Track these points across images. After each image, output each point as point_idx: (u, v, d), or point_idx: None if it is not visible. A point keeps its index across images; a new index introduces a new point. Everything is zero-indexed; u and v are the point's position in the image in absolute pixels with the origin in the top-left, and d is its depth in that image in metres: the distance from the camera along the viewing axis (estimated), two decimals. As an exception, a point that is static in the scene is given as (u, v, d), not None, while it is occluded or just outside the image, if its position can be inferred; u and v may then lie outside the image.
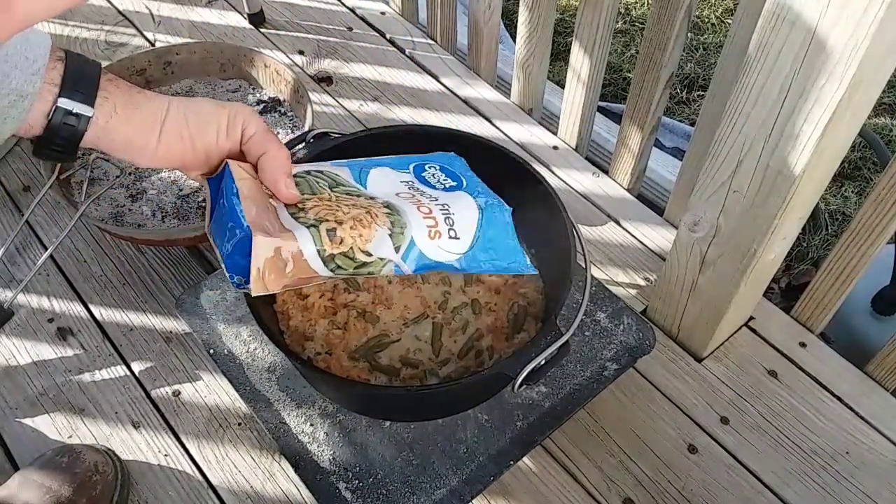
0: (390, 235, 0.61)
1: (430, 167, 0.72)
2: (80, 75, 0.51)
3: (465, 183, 0.71)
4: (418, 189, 0.67)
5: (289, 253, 0.56)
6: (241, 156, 0.60)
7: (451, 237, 0.64)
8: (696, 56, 2.00)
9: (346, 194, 0.63)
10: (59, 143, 0.52)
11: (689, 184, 1.11)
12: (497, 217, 0.68)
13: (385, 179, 0.68)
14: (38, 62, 0.49)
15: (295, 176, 0.62)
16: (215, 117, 0.58)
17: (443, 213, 0.65)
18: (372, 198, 0.63)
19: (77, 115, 0.51)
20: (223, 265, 0.57)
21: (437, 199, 0.66)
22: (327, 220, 0.58)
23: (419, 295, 0.89)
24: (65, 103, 0.50)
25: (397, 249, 0.61)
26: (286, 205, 0.60)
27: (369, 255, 0.59)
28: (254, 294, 0.54)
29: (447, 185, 0.70)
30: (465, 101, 1.39)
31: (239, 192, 0.56)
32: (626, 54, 2.01)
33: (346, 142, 0.90)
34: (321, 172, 0.64)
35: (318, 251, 0.57)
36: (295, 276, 0.56)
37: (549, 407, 0.89)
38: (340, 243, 0.58)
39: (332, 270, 0.58)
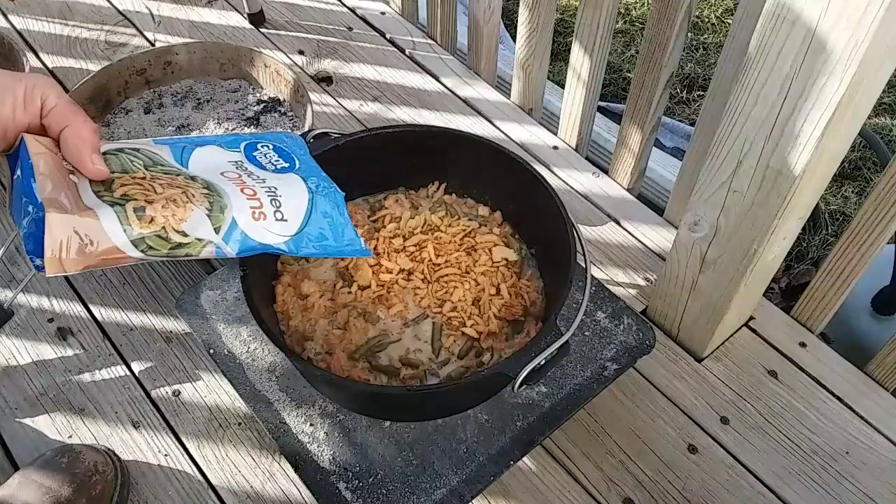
0: (209, 216, 0.59)
1: (262, 146, 0.69)
2: None
3: (297, 164, 0.69)
4: (246, 169, 0.65)
5: (89, 231, 0.52)
6: (41, 130, 0.56)
7: (277, 219, 0.63)
8: (696, 56, 2.00)
9: (164, 174, 0.60)
10: None
11: (689, 184, 1.11)
12: (328, 200, 0.67)
13: (210, 159, 0.65)
14: None
15: (106, 153, 0.59)
16: (11, 89, 0.53)
17: (269, 195, 0.63)
18: (192, 178, 0.61)
19: None
20: (25, 249, 0.53)
21: (264, 181, 0.64)
22: (136, 199, 0.55)
23: (418, 294, 0.89)
24: None
25: (217, 230, 0.59)
26: (92, 183, 0.56)
27: (185, 235, 0.57)
28: (48, 275, 0.51)
29: (278, 167, 0.68)
30: (465, 101, 1.39)
31: (34, 168, 0.52)
32: (626, 54, 2.01)
33: (347, 142, 0.90)
34: (137, 150, 0.61)
35: (125, 230, 0.54)
36: (98, 257, 0.53)
37: (549, 407, 0.89)
38: (150, 222, 0.55)
39: (142, 251, 0.55)
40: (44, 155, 0.54)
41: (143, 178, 0.58)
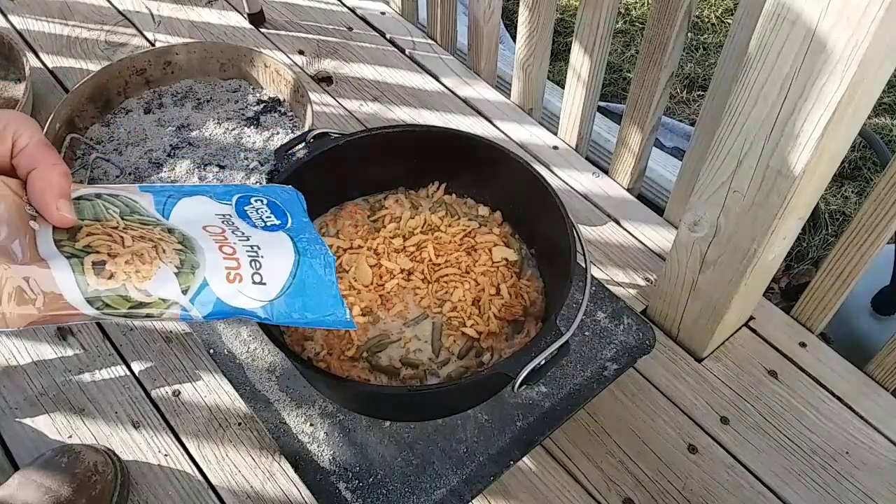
0: (177, 274, 0.54)
1: (256, 200, 0.65)
2: None
3: (290, 222, 0.65)
4: (232, 224, 0.61)
5: (39, 284, 0.48)
6: (10, 170, 0.52)
7: (255, 282, 0.58)
8: (696, 56, 2.00)
9: (140, 223, 0.55)
10: None
11: (689, 184, 1.11)
12: (316, 263, 0.63)
13: (196, 211, 0.61)
14: None
15: (81, 198, 0.54)
16: None
17: (249, 256, 0.58)
18: (170, 230, 0.56)
19: None
20: None
21: (248, 239, 0.60)
22: (98, 252, 0.51)
23: (418, 294, 0.89)
24: None
25: (185, 291, 0.54)
26: (55, 230, 0.51)
27: (148, 294, 0.53)
28: None
29: (268, 224, 0.63)
30: (465, 101, 1.39)
31: None
32: (626, 54, 2.01)
33: (347, 142, 0.90)
34: (115, 197, 0.57)
35: (79, 285, 0.50)
36: (47, 313, 0.49)
37: (549, 407, 0.89)
38: (110, 278, 0.51)
39: (97, 309, 0.51)
40: (5, 197, 0.50)
41: (115, 228, 0.54)
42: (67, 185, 0.52)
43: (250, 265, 0.58)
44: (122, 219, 0.55)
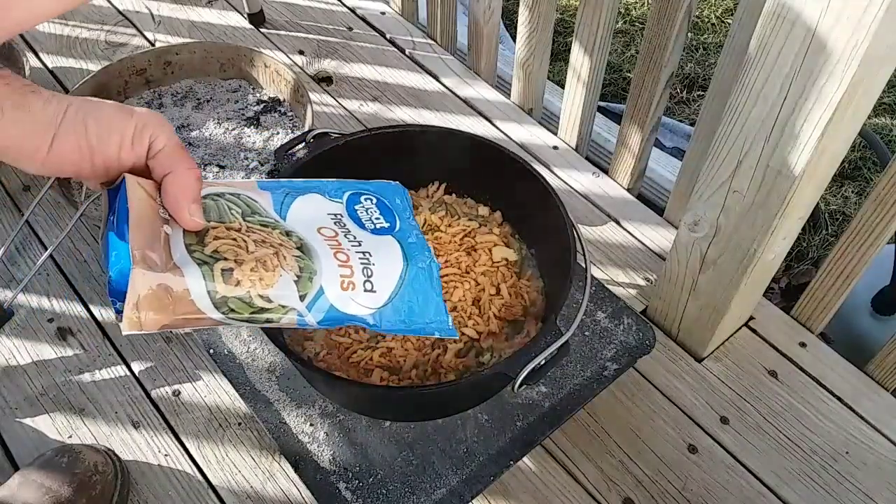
0: (296, 282, 0.56)
1: (365, 199, 0.67)
2: None
3: (398, 226, 0.66)
4: (344, 227, 0.62)
5: (173, 291, 0.50)
6: (145, 171, 0.53)
7: (366, 290, 0.59)
8: (696, 56, 2.00)
9: (261, 225, 0.57)
10: None
11: (689, 184, 1.11)
12: (423, 271, 0.64)
13: (310, 210, 0.62)
14: None
15: (206, 197, 0.56)
16: (119, 126, 0.51)
17: (362, 263, 0.60)
18: (288, 233, 0.58)
19: None
20: (107, 289, 0.51)
21: (360, 244, 0.61)
22: (226, 259, 0.53)
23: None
24: None
25: (303, 298, 0.56)
26: (185, 233, 0.54)
27: (269, 301, 0.54)
28: (124, 332, 0.49)
29: (377, 227, 0.65)
30: (465, 101, 1.39)
31: (129, 214, 0.50)
32: (626, 54, 2.01)
33: (347, 142, 0.90)
34: (237, 196, 0.59)
35: (209, 292, 0.52)
36: (178, 317, 0.51)
37: (549, 407, 0.89)
38: (237, 285, 0.53)
39: (223, 314, 0.53)
40: (143, 201, 0.52)
41: (238, 230, 0.56)
42: (199, 189, 0.54)
43: (362, 272, 0.59)
44: (244, 220, 0.57)
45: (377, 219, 0.65)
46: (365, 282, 0.59)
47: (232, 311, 0.53)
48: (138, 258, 0.49)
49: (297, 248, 0.57)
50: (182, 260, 0.52)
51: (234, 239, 0.55)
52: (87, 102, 0.51)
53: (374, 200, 0.67)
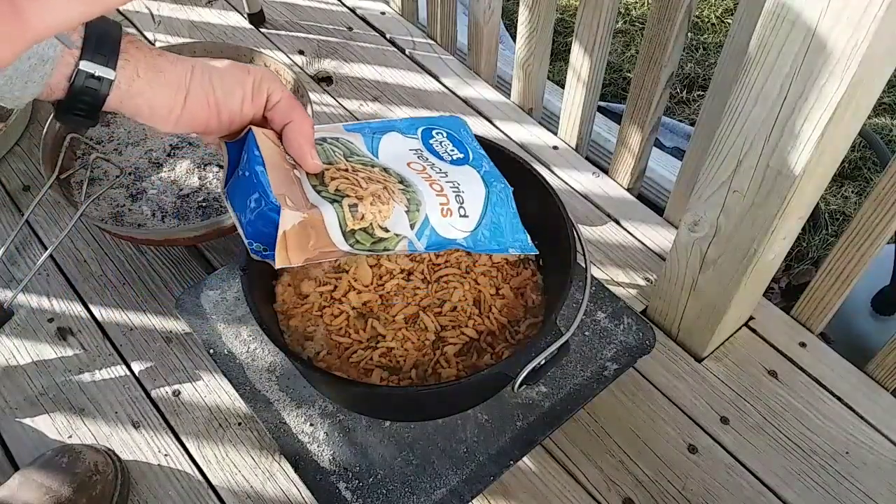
0: (407, 212, 0.61)
1: (437, 133, 0.72)
2: (101, 38, 0.50)
3: (471, 156, 0.71)
4: (427, 160, 0.68)
5: (313, 227, 0.56)
6: (263, 122, 0.59)
7: (461, 215, 0.65)
8: (696, 56, 2.00)
9: (361, 164, 0.63)
10: (81, 107, 0.51)
11: (689, 184, 1.11)
12: (501, 196, 0.69)
13: (395, 147, 0.68)
14: None
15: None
16: (240, 82, 0.56)
17: (453, 191, 0.65)
18: (385, 169, 0.63)
19: (99, 79, 0.50)
20: (242, 231, 0.57)
21: (446, 175, 0.66)
22: (349, 196, 0.58)
23: (418, 294, 0.89)
24: (87, 66, 0.49)
25: (412, 226, 0.61)
26: (308, 176, 0.59)
27: (386, 231, 0.60)
28: (277, 266, 0.55)
29: (454, 157, 0.70)
30: (465, 101, 1.39)
31: (265, 163, 0.55)
32: (626, 54, 2.01)
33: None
34: (336, 140, 0.64)
35: (341, 226, 0.57)
36: (317, 250, 0.56)
37: (549, 407, 0.89)
38: (362, 219, 0.58)
39: (351, 245, 0.58)
40: (271, 149, 0.57)
41: (347, 171, 0.61)
42: (313, 135, 0.60)
43: (455, 200, 0.65)
44: (347, 160, 0.62)
45: (451, 150, 0.71)
46: (459, 208, 0.65)
47: (358, 242, 0.58)
48: (282, 200, 0.54)
49: (400, 182, 0.63)
50: (315, 199, 0.57)
51: (348, 178, 0.60)
52: (208, 62, 0.56)
53: (445, 134, 0.72)
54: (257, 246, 0.56)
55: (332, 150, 0.63)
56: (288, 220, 0.54)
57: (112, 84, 0.50)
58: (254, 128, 0.57)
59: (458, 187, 0.66)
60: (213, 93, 0.55)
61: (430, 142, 0.70)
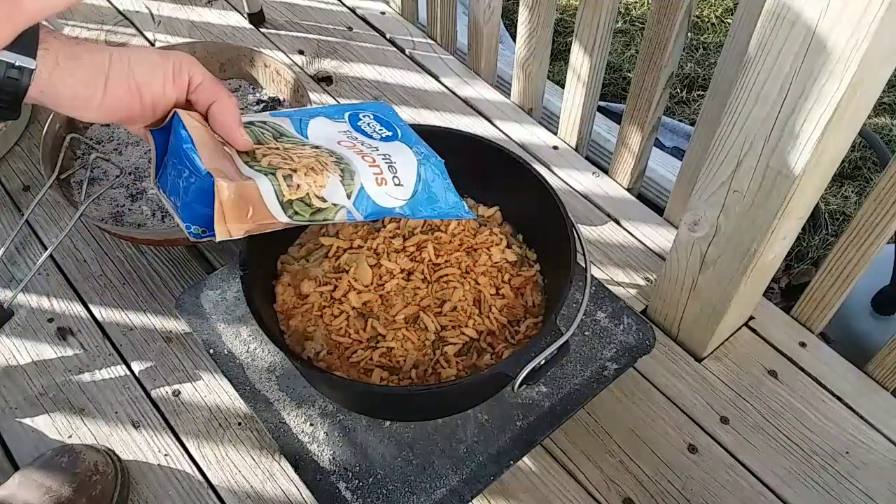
0: (342, 182, 0.62)
1: (364, 116, 0.73)
2: None
3: (399, 133, 0.73)
4: (357, 139, 0.69)
5: (250, 198, 0.56)
6: (188, 105, 0.59)
7: (395, 184, 0.66)
8: (696, 56, 2.00)
9: (291, 144, 0.64)
10: (4, 98, 0.50)
11: (689, 184, 1.11)
12: (434, 167, 0.71)
13: (324, 129, 0.69)
14: None
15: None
16: (161, 64, 0.56)
17: (385, 163, 0.67)
18: (316, 147, 0.65)
19: (20, 69, 0.49)
20: (178, 218, 0.57)
21: (377, 150, 0.68)
22: (282, 168, 0.59)
23: (418, 294, 0.89)
24: (7, 56, 0.49)
25: (349, 196, 0.62)
26: (239, 153, 0.60)
27: (324, 201, 0.61)
28: (217, 239, 0.55)
29: (384, 136, 0.71)
30: (465, 101, 1.39)
31: (194, 140, 0.56)
32: (626, 54, 2.01)
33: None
34: (264, 123, 0.65)
35: (277, 197, 0.58)
36: (256, 222, 0.57)
37: (549, 407, 0.89)
38: (298, 189, 0.59)
39: (290, 217, 0.59)
40: (198, 128, 0.57)
41: (278, 149, 0.62)
42: (239, 115, 0.60)
43: (389, 170, 0.67)
44: (276, 140, 0.63)
45: (380, 129, 0.72)
46: (393, 178, 0.67)
47: (297, 213, 0.59)
48: (216, 173, 0.55)
49: (331, 156, 0.64)
50: (249, 174, 0.58)
51: (279, 154, 0.61)
52: (125, 49, 0.56)
53: (372, 116, 0.73)
54: (196, 229, 0.56)
55: (261, 132, 0.63)
56: (223, 191, 0.54)
57: (33, 74, 0.50)
58: (178, 110, 0.57)
59: (389, 158, 0.67)
60: (134, 76, 0.55)
61: (358, 123, 0.72)
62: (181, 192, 0.56)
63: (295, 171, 0.59)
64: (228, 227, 0.55)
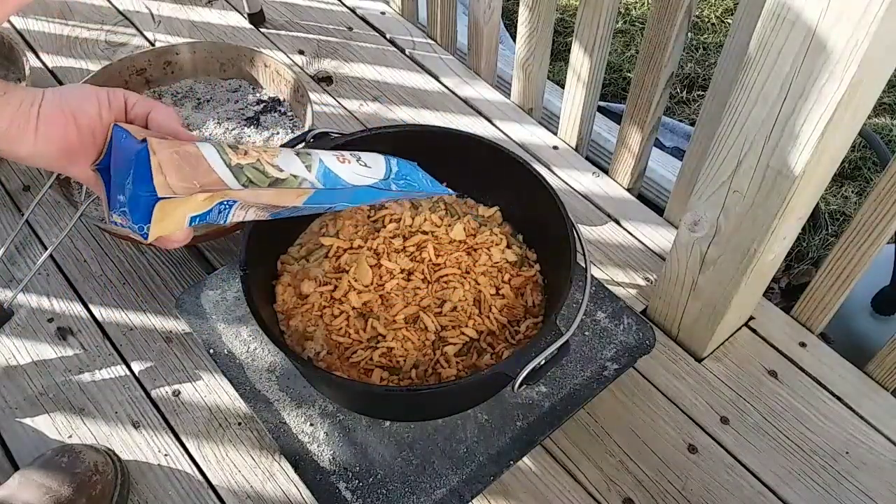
0: (297, 155, 0.62)
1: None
2: None
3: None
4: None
5: (189, 158, 0.54)
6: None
7: (361, 164, 0.68)
8: (696, 56, 2.00)
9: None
10: None
11: (689, 184, 1.11)
12: (404, 163, 0.73)
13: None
14: None
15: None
16: (94, 92, 0.56)
17: (349, 152, 0.69)
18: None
19: None
20: (131, 222, 0.53)
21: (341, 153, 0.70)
22: (228, 144, 0.59)
23: (418, 294, 0.89)
24: None
25: (309, 168, 0.62)
26: None
27: (280, 170, 0.60)
28: (159, 195, 0.52)
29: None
30: (465, 101, 1.39)
31: (127, 130, 0.54)
32: (626, 54, 2.01)
33: (347, 142, 0.90)
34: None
35: (223, 159, 0.56)
36: (202, 181, 0.54)
37: (549, 407, 0.89)
38: (245, 154, 0.58)
39: (244, 185, 0.57)
40: (132, 127, 0.56)
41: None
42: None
43: (351, 155, 0.68)
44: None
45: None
46: (358, 160, 0.68)
47: (251, 181, 0.58)
48: (150, 136, 0.53)
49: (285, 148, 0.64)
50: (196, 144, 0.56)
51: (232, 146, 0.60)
52: (57, 88, 0.55)
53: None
54: (147, 227, 0.53)
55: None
56: (158, 147, 0.52)
57: None
58: (117, 122, 0.56)
59: (354, 152, 0.69)
60: (68, 104, 0.54)
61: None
62: (127, 188, 0.53)
63: (245, 152, 0.59)
64: (169, 181, 0.52)
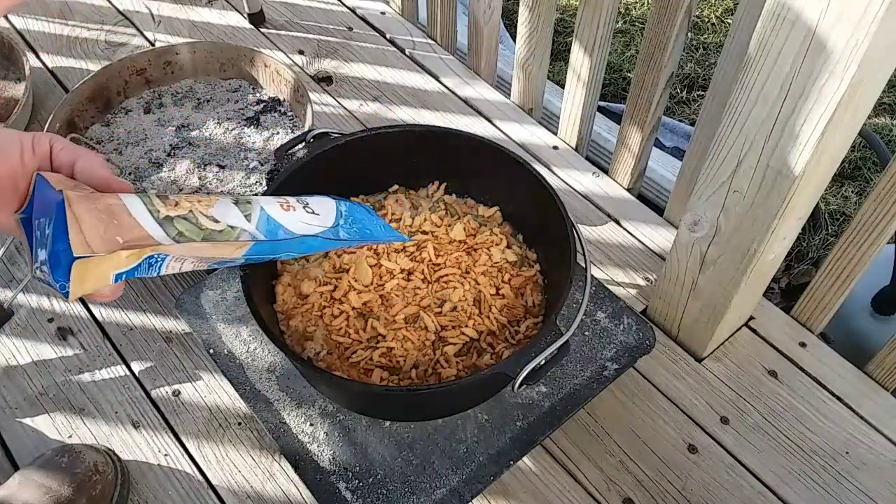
0: (236, 204, 0.58)
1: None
2: None
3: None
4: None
5: (114, 214, 0.50)
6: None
7: (308, 212, 0.64)
8: (696, 56, 2.00)
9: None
10: None
11: (689, 184, 1.11)
12: (358, 206, 0.71)
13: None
14: None
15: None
16: (17, 136, 0.52)
17: (295, 198, 0.65)
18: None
19: None
20: (51, 279, 0.48)
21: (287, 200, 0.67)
22: (157, 194, 0.55)
23: (418, 294, 0.89)
24: None
25: (248, 218, 0.59)
26: None
27: (216, 221, 0.56)
28: (76, 254, 0.47)
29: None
30: (465, 101, 1.39)
31: (46, 180, 0.50)
32: (626, 54, 2.01)
33: (347, 142, 0.90)
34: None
35: (150, 211, 0.52)
36: (126, 237, 0.50)
37: (549, 407, 0.89)
38: (176, 206, 0.54)
39: (175, 238, 0.53)
40: (60, 179, 0.52)
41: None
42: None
43: (297, 201, 0.65)
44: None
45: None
46: (304, 207, 0.65)
47: (182, 234, 0.53)
48: (67, 189, 0.49)
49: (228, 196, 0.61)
50: (121, 197, 0.52)
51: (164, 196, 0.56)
52: None
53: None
54: (69, 286, 0.48)
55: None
56: (75, 200, 0.48)
57: None
58: (41, 172, 0.52)
59: (300, 198, 0.66)
60: None
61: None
62: (47, 243, 0.48)
63: (176, 202, 0.54)
64: (87, 239, 0.47)
